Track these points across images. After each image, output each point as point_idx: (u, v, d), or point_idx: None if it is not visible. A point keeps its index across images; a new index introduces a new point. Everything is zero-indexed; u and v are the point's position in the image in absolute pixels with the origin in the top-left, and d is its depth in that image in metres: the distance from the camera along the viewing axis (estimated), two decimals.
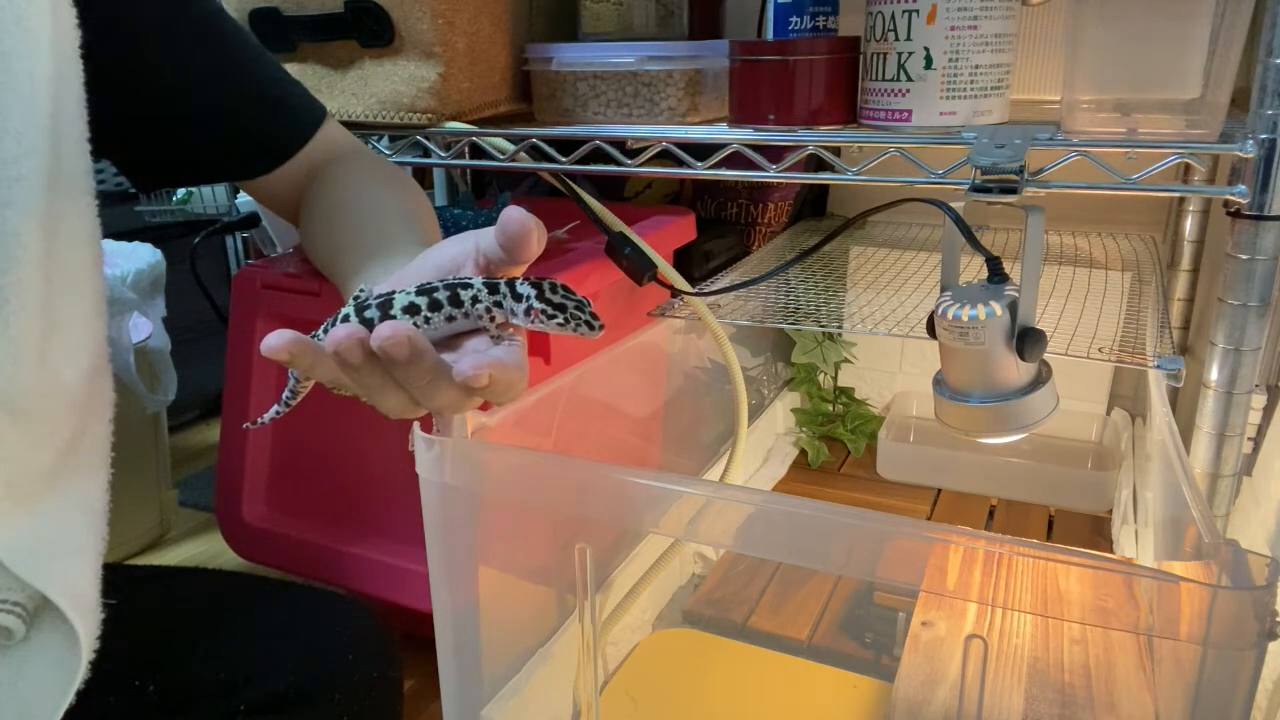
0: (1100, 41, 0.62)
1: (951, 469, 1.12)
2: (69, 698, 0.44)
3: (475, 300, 0.44)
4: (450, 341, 0.45)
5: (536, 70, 0.84)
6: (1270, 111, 0.57)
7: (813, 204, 1.24)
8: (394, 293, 0.44)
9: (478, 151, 0.83)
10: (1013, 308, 0.62)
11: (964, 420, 0.66)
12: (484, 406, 0.59)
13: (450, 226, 0.92)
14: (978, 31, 0.66)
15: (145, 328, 1.06)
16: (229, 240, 1.57)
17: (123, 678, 0.53)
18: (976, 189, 0.63)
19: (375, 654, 0.60)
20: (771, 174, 0.73)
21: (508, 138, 0.80)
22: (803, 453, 1.22)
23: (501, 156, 0.80)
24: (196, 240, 1.29)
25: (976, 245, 0.62)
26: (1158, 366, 0.68)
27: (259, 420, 0.58)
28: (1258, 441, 0.77)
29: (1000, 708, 0.66)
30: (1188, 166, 0.92)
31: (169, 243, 1.15)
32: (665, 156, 0.76)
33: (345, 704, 0.56)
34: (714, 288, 0.88)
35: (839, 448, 1.23)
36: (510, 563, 0.70)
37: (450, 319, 0.44)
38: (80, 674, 0.44)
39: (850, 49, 0.72)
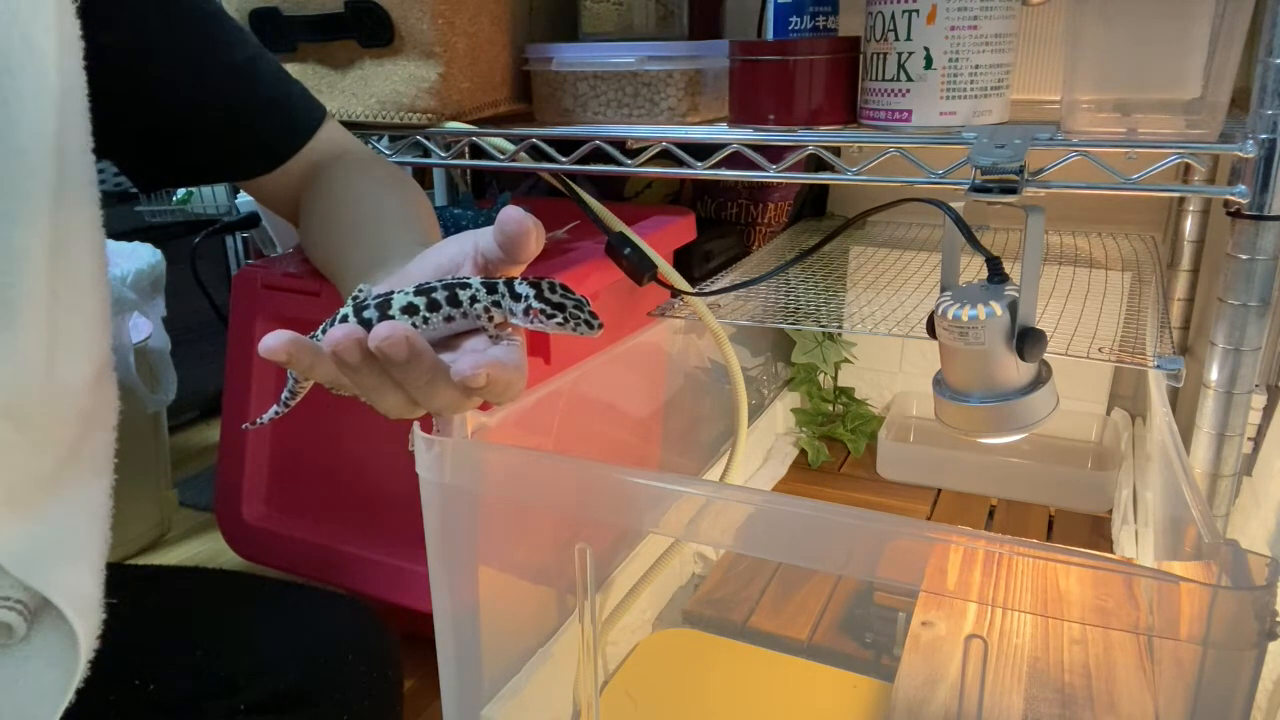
0: (1100, 41, 0.62)
1: (951, 469, 1.12)
2: (69, 697, 0.44)
3: (474, 300, 0.44)
4: (449, 341, 0.45)
5: (536, 70, 0.84)
6: (1270, 111, 0.57)
7: (813, 204, 1.24)
8: (392, 293, 0.44)
9: (478, 151, 0.83)
10: (1013, 308, 0.62)
11: (964, 420, 0.66)
12: (484, 406, 0.59)
13: (450, 226, 0.92)
14: (978, 31, 0.66)
15: (145, 328, 1.06)
16: (229, 240, 1.56)
17: (123, 678, 0.53)
18: (976, 189, 0.63)
19: (375, 654, 0.60)
20: (771, 174, 0.73)
21: (508, 138, 0.80)
22: (803, 453, 1.22)
23: (501, 156, 0.80)
24: (196, 240, 1.29)
25: (976, 245, 0.62)
26: (1158, 366, 0.68)
27: (258, 420, 0.58)
28: (1258, 441, 0.77)
29: (1000, 708, 0.66)
30: (1188, 166, 0.92)
31: (169, 243, 1.15)
32: (665, 156, 0.76)
33: (345, 704, 0.56)
34: (714, 288, 0.88)
35: (839, 448, 1.23)
36: (510, 563, 0.70)
37: (449, 319, 0.44)
38: (80, 673, 0.44)
39: (850, 49, 0.72)
